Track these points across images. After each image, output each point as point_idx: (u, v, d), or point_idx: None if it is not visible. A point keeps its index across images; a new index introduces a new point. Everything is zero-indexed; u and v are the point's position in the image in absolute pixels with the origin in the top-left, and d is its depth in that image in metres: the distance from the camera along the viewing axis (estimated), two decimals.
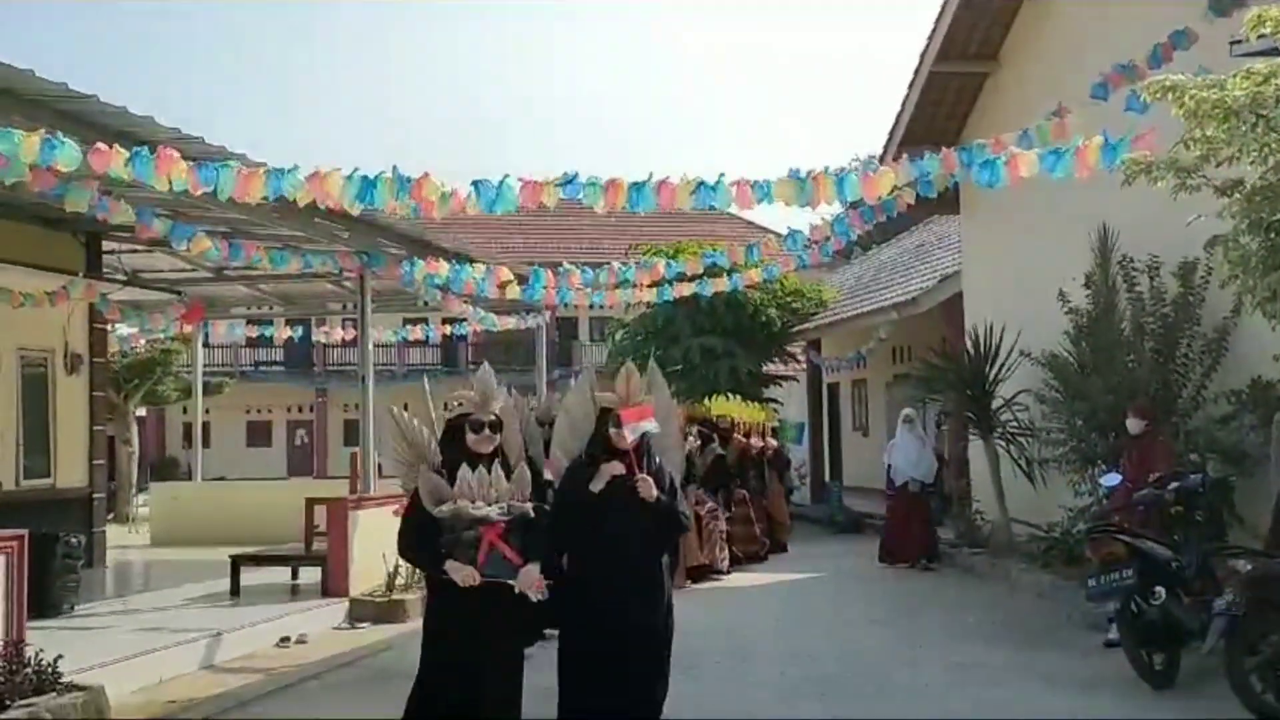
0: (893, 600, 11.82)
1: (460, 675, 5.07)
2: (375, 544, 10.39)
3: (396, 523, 5.43)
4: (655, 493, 5.43)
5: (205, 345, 19.51)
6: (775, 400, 23.12)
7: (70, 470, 13.49)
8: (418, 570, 7.52)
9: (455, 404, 5.44)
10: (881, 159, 14.69)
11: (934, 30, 14.54)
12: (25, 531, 7.12)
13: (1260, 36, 6.74)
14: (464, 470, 5.14)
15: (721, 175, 8.00)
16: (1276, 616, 6.54)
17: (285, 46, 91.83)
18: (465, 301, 15.02)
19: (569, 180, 7.77)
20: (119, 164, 6.50)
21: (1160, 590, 7.38)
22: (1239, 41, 7.63)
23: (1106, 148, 7.41)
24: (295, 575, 11.77)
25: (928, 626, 10.04)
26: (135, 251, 13.86)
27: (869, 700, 7.33)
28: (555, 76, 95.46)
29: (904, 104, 15.42)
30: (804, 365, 24.68)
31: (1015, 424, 13.19)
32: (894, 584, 13.06)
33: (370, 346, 12.26)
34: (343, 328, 19.13)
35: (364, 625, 10.36)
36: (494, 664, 5.12)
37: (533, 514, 5.21)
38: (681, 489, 5.95)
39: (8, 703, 6.09)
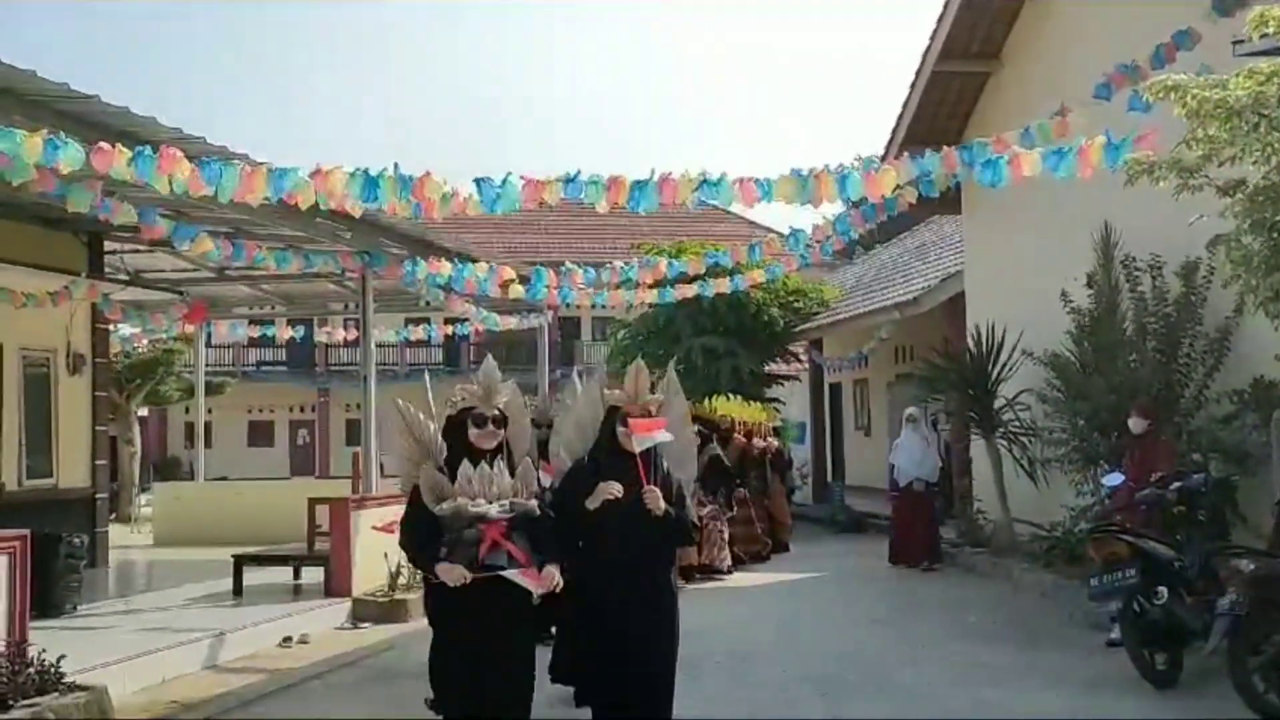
0: (894, 600, 11.82)
1: (468, 672, 4.96)
2: (377, 544, 10.42)
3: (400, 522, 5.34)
4: (663, 506, 5.28)
5: (207, 345, 19.53)
6: (777, 400, 23.11)
7: (73, 470, 13.50)
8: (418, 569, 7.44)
9: (459, 398, 5.24)
10: (883, 159, 14.67)
11: (936, 29, 14.55)
12: (28, 531, 7.11)
13: (1263, 36, 6.75)
14: (464, 467, 4.99)
15: (724, 174, 8.00)
16: (1279, 616, 6.54)
17: (285, 46, 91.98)
18: (467, 301, 15.03)
19: (571, 179, 7.76)
20: (122, 164, 6.49)
21: (1163, 590, 7.37)
22: (1241, 41, 7.62)
23: (1109, 147, 7.40)
24: (297, 575, 11.79)
25: (929, 626, 10.03)
26: (138, 251, 13.89)
27: (870, 700, 7.33)
28: (555, 76, 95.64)
29: (906, 103, 15.42)
30: (806, 365, 24.67)
31: (1017, 424, 13.18)
32: (896, 584, 13.05)
33: (372, 346, 12.28)
34: (345, 328, 19.15)
35: (366, 625, 10.36)
36: (500, 661, 4.98)
37: (538, 511, 5.06)
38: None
39: (11, 703, 6.09)
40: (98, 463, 14.03)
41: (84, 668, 7.03)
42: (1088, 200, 11.38)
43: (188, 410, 30.84)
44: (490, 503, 4.95)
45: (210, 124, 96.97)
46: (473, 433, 5.09)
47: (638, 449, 5.30)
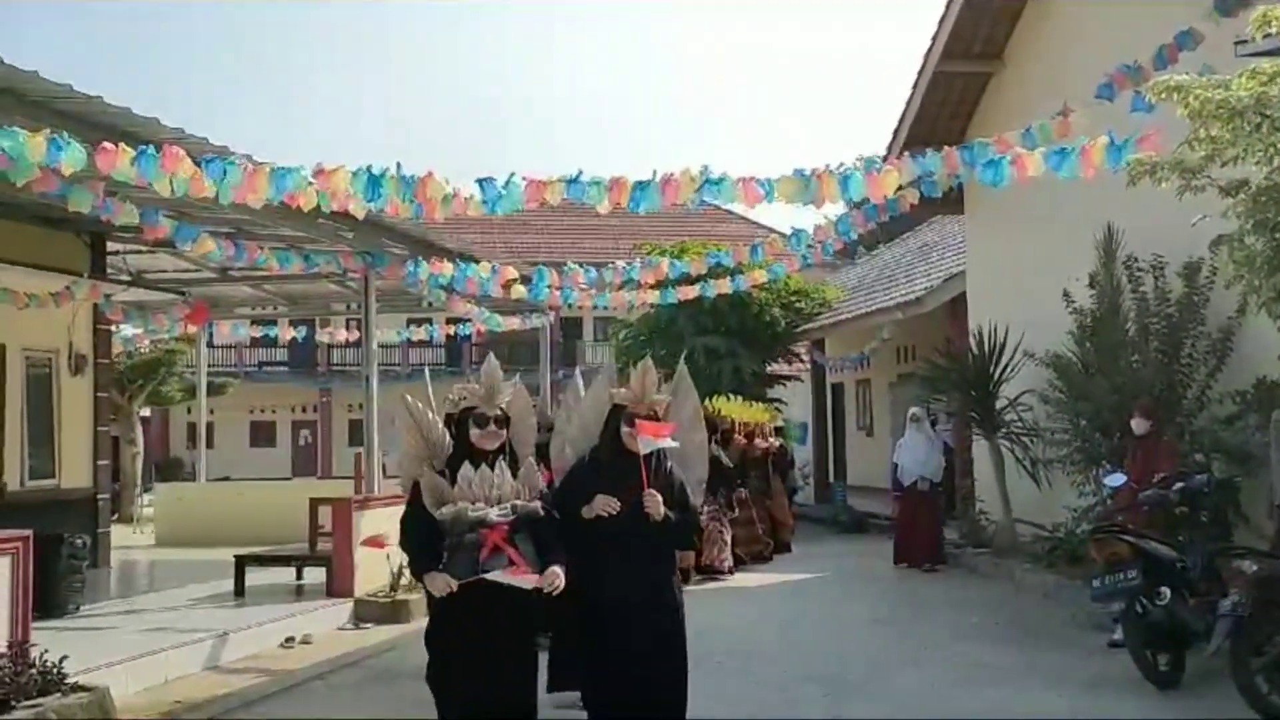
0: (896, 600, 11.82)
1: (470, 675, 4.91)
2: None
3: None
4: (664, 512, 5.19)
5: (209, 345, 19.56)
6: (779, 400, 23.10)
7: (75, 471, 13.50)
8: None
9: (460, 397, 5.12)
10: (885, 159, 14.65)
11: (937, 30, 14.55)
12: (30, 532, 7.12)
13: (1266, 36, 6.74)
14: (465, 469, 4.87)
15: (725, 174, 7.99)
16: None
17: (285, 46, 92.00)
18: (469, 301, 15.03)
19: (573, 180, 7.76)
20: (124, 164, 6.49)
21: (1165, 591, 7.36)
22: (1244, 41, 7.62)
23: (1111, 148, 7.40)
24: (300, 575, 11.80)
25: (931, 626, 10.03)
26: (139, 252, 13.89)
27: (872, 700, 7.33)
28: (555, 76, 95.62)
29: (908, 103, 15.41)
30: (808, 365, 24.66)
31: (1019, 424, 13.18)
32: (897, 584, 13.05)
33: (374, 346, 12.29)
34: (347, 328, 19.18)
35: (368, 625, 10.37)
36: (502, 664, 4.90)
37: (541, 512, 4.95)
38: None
39: (13, 703, 6.09)
40: (100, 463, 14.02)
41: (86, 668, 7.03)
42: (1090, 201, 11.37)
43: (190, 411, 30.83)
44: (491, 506, 4.84)
45: (210, 124, 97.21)
46: (474, 433, 4.98)
47: (643, 451, 5.20)
